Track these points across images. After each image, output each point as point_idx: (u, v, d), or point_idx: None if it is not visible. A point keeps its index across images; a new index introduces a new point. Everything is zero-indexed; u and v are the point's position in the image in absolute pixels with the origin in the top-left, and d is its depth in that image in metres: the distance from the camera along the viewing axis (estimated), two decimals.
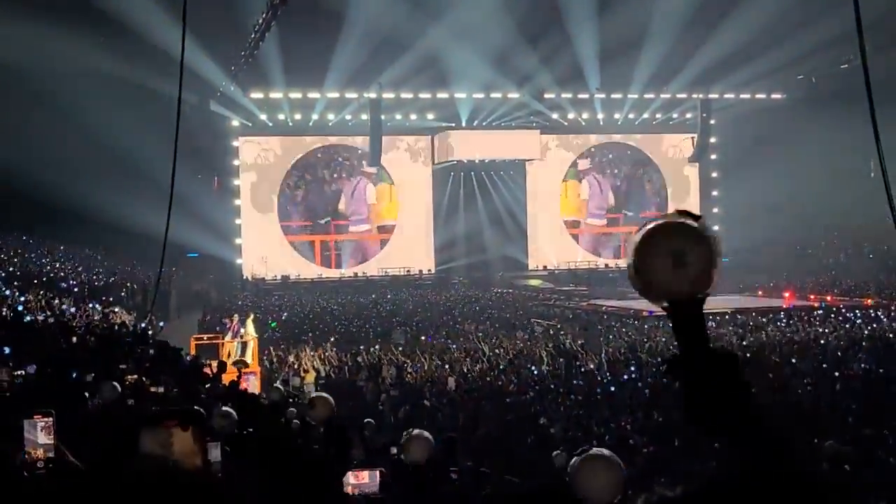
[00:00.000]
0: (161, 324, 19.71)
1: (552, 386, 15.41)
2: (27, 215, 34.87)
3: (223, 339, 20.09)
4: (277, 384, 18.33)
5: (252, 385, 16.33)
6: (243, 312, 23.63)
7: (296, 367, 20.09)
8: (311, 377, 18.70)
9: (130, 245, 37.05)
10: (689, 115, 45.71)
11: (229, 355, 18.42)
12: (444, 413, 13.84)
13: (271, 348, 22.39)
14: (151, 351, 11.19)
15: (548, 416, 12.60)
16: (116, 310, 23.91)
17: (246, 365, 15.90)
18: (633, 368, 16.69)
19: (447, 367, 18.95)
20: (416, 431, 4.45)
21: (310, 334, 25.39)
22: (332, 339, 24.23)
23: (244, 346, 19.79)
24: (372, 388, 17.32)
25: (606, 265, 46.83)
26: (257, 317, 26.26)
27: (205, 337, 20.85)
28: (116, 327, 15.72)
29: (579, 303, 34.48)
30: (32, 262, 30.74)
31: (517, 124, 44.38)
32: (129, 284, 32.08)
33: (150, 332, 14.72)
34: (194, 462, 1.97)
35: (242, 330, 20.32)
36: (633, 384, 14.99)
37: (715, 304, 31.99)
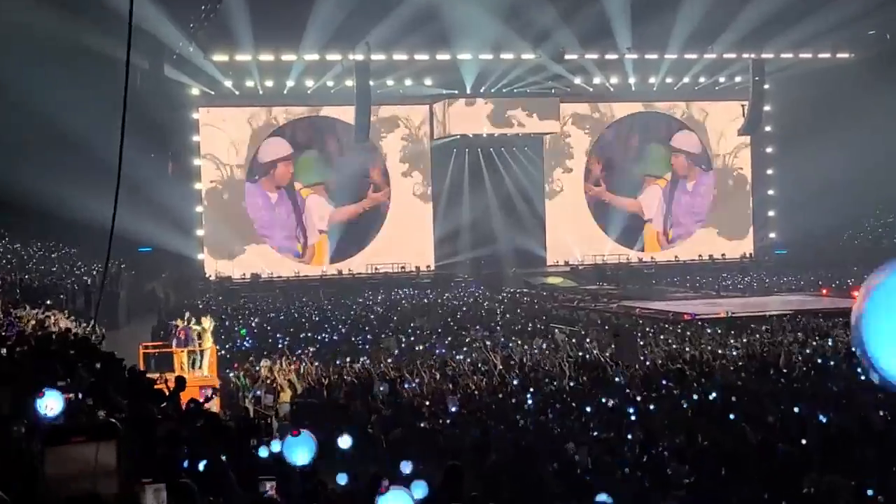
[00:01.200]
0: (101, 332, 19.74)
1: (575, 404, 15.41)
2: None
3: (173, 347, 19.89)
4: (247, 404, 18.39)
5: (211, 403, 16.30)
6: (198, 313, 23.25)
7: (268, 382, 20.07)
8: (286, 396, 18.69)
9: (70, 238, 37.09)
10: (738, 79, 45.65)
11: (182, 367, 18.39)
12: (446, 436, 13.84)
13: (259, 363, 22.27)
14: (97, 364, 11.20)
15: (571, 439, 12.60)
16: (54, 315, 23.92)
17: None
18: (672, 384, 16.67)
19: (450, 383, 18.94)
20: None
21: (285, 343, 25.39)
22: (312, 350, 24.26)
23: (201, 354, 19.65)
24: (360, 407, 17.31)
25: (640, 259, 46.82)
26: (221, 320, 26.27)
27: (154, 346, 20.82)
28: (54, 336, 15.72)
29: (608, 305, 34.50)
30: None
31: (532, 91, 44.30)
32: (68, 285, 32.11)
33: (94, 342, 14.73)
34: (111, 485, 1.93)
35: (193, 335, 20.01)
36: (673, 402, 14.97)
37: (770, 305, 32.08)
